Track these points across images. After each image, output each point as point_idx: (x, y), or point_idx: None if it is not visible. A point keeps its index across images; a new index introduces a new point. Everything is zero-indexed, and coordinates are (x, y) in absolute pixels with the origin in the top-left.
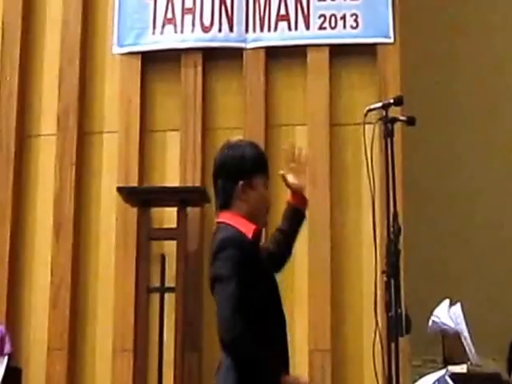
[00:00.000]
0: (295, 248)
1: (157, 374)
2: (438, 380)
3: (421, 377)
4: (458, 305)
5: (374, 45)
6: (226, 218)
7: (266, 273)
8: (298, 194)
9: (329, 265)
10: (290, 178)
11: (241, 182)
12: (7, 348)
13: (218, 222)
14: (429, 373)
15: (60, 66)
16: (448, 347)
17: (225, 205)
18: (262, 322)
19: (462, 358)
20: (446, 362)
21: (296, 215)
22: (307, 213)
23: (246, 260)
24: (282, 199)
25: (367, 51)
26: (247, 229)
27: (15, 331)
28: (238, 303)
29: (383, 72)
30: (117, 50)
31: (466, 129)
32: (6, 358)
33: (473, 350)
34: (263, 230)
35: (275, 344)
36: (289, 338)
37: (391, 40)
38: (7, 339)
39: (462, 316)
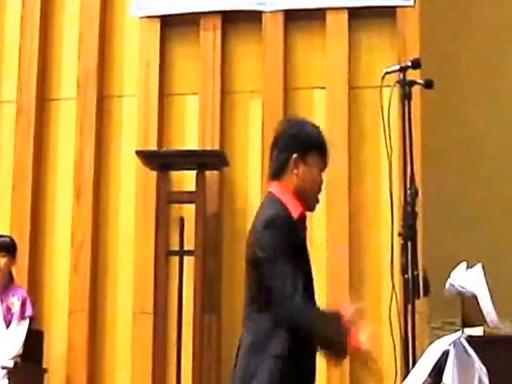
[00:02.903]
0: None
1: (176, 336)
2: (453, 342)
3: (439, 338)
4: (479, 266)
5: (394, 7)
6: (276, 190)
7: (304, 255)
8: None
9: (347, 227)
10: None
11: (294, 155)
12: (29, 311)
13: (269, 192)
14: (446, 335)
15: (80, 30)
16: (466, 310)
17: (277, 174)
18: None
19: (480, 321)
20: (465, 325)
21: None
22: (325, 175)
23: (288, 239)
24: None
25: (386, 14)
26: (294, 208)
27: (36, 294)
28: (289, 277)
29: (402, 35)
30: (136, 12)
31: (486, 92)
32: (28, 320)
33: (493, 312)
34: (313, 210)
35: None
36: None
37: (411, 2)
38: (28, 302)
39: (482, 277)
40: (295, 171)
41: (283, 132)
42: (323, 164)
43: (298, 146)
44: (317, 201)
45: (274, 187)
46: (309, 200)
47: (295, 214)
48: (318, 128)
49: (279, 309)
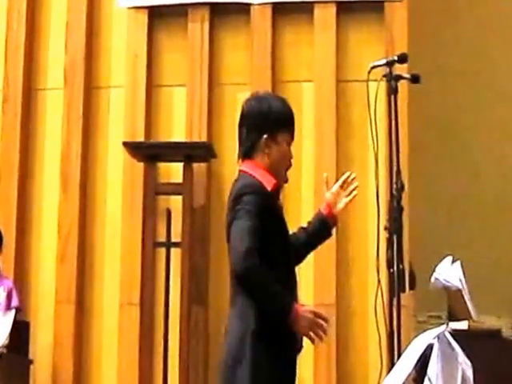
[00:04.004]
0: (301, 204)
1: (163, 328)
2: (438, 336)
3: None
4: (458, 263)
5: (382, 2)
6: (247, 167)
7: (281, 223)
8: (334, 213)
9: None
10: (341, 203)
11: (265, 136)
12: (15, 302)
13: (240, 171)
14: (431, 328)
15: (67, 20)
16: (451, 304)
17: (247, 154)
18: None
19: (465, 315)
20: (451, 319)
21: (325, 229)
22: (313, 167)
23: (264, 207)
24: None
25: (375, 8)
26: (267, 181)
27: (23, 285)
28: (254, 239)
29: (390, 29)
30: (123, 3)
31: (473, 87)
32: (14, 311)
33: (473, 308)
34: (282, 186)
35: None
36: (298, 292)
37: None
38: (15, 293)
39: (461, 274)
40: (266, 151)
41: (251, 110)
42: (291, 138)
43: (268, 126)
44: (288, 170)
45: (246, 165)
46: (280, 174)
47: (269, 187)
48: (284, 102)
49: (236, 264)
